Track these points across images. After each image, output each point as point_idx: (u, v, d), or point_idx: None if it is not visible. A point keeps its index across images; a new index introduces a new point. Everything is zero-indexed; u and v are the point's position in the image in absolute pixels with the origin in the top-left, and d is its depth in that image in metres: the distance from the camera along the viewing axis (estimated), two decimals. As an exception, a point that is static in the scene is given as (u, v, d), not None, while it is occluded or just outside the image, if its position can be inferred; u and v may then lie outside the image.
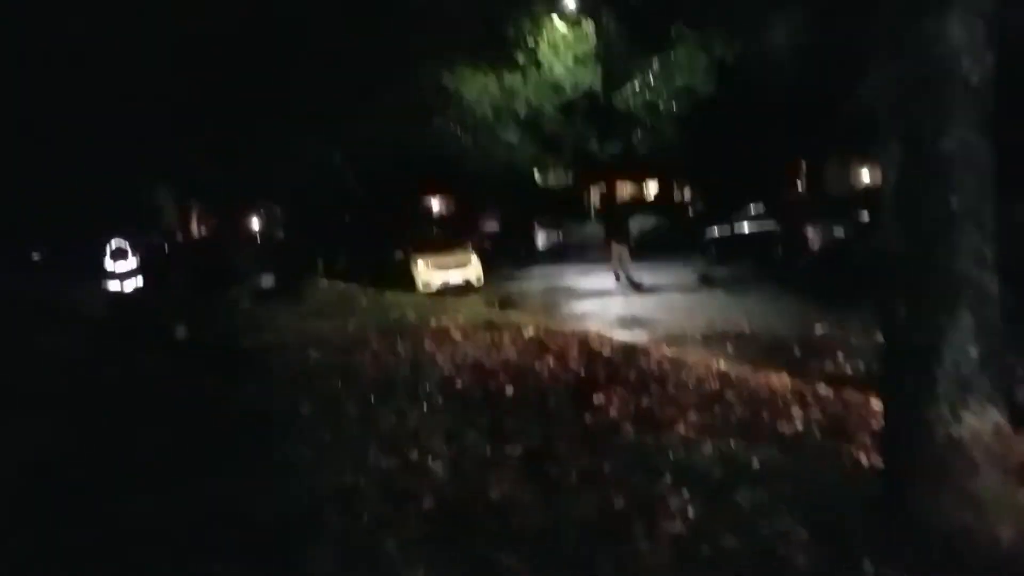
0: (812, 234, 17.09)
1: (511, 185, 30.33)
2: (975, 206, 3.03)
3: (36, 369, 8.27)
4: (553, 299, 14.58)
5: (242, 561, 3.29)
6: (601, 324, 10.71)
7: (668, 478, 3.79)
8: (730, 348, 8.14)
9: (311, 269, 21.02)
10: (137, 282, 18.05)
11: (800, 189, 21.36)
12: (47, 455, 5.20)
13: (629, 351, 7.57)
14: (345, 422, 5.36)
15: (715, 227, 20.28)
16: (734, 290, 13.89)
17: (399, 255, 18.33)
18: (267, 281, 18.67)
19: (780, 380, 5.98)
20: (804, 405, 5.13)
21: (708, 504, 3.51)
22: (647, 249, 24.05)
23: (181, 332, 11.07)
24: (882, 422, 3.39)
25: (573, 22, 22.99)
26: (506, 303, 14.03)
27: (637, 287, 15.28)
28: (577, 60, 23.51)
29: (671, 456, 4.09)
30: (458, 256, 17.65)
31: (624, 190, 33.88)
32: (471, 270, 17.24)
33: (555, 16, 23.12)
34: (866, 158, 22.38)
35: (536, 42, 23.18)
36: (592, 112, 26.52)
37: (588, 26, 22.87)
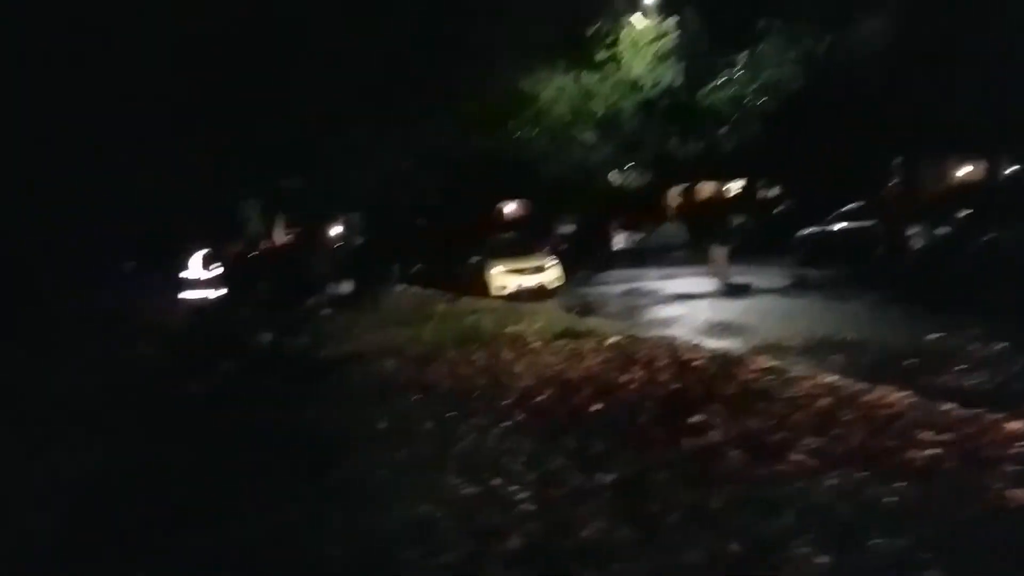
0: (914, 234, 15.90)
1: (588, 187, 29.79)
2: None
3: (117, 384, 8.35)
4: (634, 304, 14.01)
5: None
6: (688, 331, 10.10)
7: (787, 518, 3.27)
8: (835, 359, 7.44)
9: (388, 276, 21.10)
10: (222, 291, 18.53)
11: (898, 187, 19.96)
12: (114, 474, 5.11)
13: (724, 362, 6.98)
14: (421, 442, 5.04)
15: (807, 227, 19.21)
16: (831, 293, 12.99)
17: (475, 260, 18.13)
18: (346, 288, 18.83)
19: (899, 397, 5.30)
20: (931, 427, 4.47)
21: (839, 552, 2.98)
22: (732, 251, 23.12)
23: (262, 343, 11.13)
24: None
25: (653, 18, 22.33)
26: (585, 309, 13.55)
27: (737, 290, 14.44)
28: (657, 57, 22.84)
29: (788, 491, 3.55)
30: (534, 260, 17.30)
31: (706, 190, 32.78)
32: (548, 274, 16.86)
33: (635, 13, 22.53)
34: (966, 155, 20.83)
35: (615, 40, 22.67)
36: (672, 110, 25.74)
37: (669, 22, 22.17)
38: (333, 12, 15.92)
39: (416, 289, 19.01)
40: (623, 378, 6.58)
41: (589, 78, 23.29)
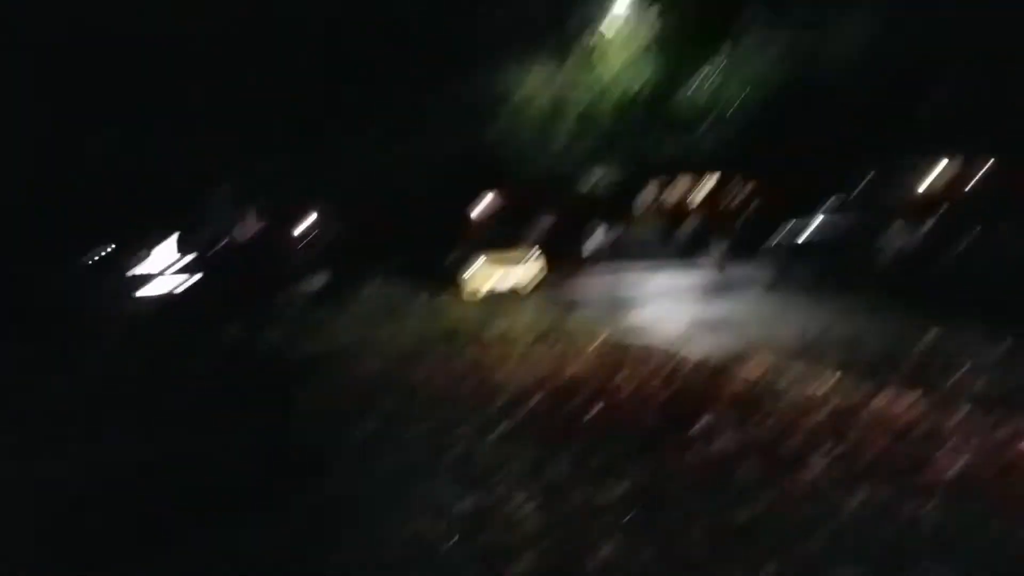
0: (894, 233, 15.88)
1: (566, 185, 29.55)
2: None
3: (76, 386, 7.84)
4: (619, 302, 13.74)
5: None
6: (678, 330, 9.85)
7: (821, 540, 2.99)
8: (835, 360, 7.23)
9: (365, 270, 20.61)
10: (190, 282, 17.87)
11: (879, 185, 20.00)
12: (70, 484, 4.69)
13: (723, 363, 6.74)
14: (409, 451, 4.68)
15: (787, 224, 19.12)
16: (815, 292, 12.86)
17: (455, 256, 17.74)
18: (321, 282, 18.34)
19: (912, 401, 5.10)
20: (953, 435, 4.26)
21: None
22: (708, 248, 23.02)
23: (232, 338, 10.66)
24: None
25: (632, 15, 22.14)
26: (570, 306, 13.27)
27: (722, 287, 14.22)
28: (634, 56, 22.67)
29: (816, 508, 3.28)
30: (516, 257, 16.97)
31: (685, 188, 32.73)
32: (529, 271, 16.54)
33: (614, 10, 22.30)
34: (946, 154, 20.93)
35: (594, 37, 22.44)
36: (651, 108, 25.59)
37: (647, 19, 22.01)
38: (316, 5, 15.49)
39: (393, 285, 18.56)
40: (619, 379, 6.30)
41: (568, 75, 23.06)
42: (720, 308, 11.52)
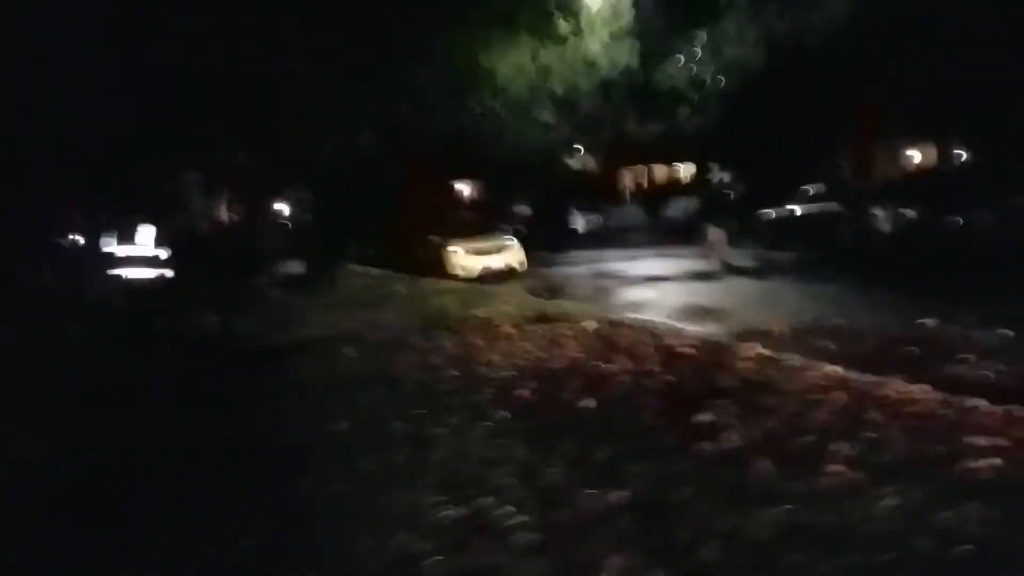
0: (881, 216, 15.76)
1: (546, 167, 29.16)
2: None
3: (33, 373, 7.36)
4: (603, 287, 13.45)
5: None
6: (666, 316, 9.59)
7: (859, 556, 2.69)
8: (832, 347, 6.98)
9: (341, 255, 20.12)
10: (159, 269, 17.30)
11: (864, 169, 19.89)
12: (32, 478, 4.28)
13: (717, 351, 6.44)
14: (392, 449, 4.33)
15: (770, 210, 18.96)
16: (804, 276, 12.66)
17: (434, 240, 17.32)
18: (295, 268, 17.84)
19: (919, 391, 4.83)
20: (975, 429, 3.98)
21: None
22: (691, 233, 22.81)
23: (202, 326, 10.21)
24: None
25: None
26: (553, 292, 12.95)
27: (707, 273, 13.92)
28: (613, 35, 22.24)
29: (845, 515, 2.98)
30: (496, 241, 16.60)
31: (666, 171, 32.49)
32: (511, 256, 16.19)
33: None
34: (928, 138, 20.86)
35: (574, 17, 21.98)
36: (631, 90, 25.22)
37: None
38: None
39: (370, 270, 18.12)
40: (611, 368, 5.98)
41: (547, 56, 22.60)
42: (709, 294, 11.27)
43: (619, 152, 29.17)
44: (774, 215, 18.63)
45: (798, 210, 17.92)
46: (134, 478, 4.19)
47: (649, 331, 7.74)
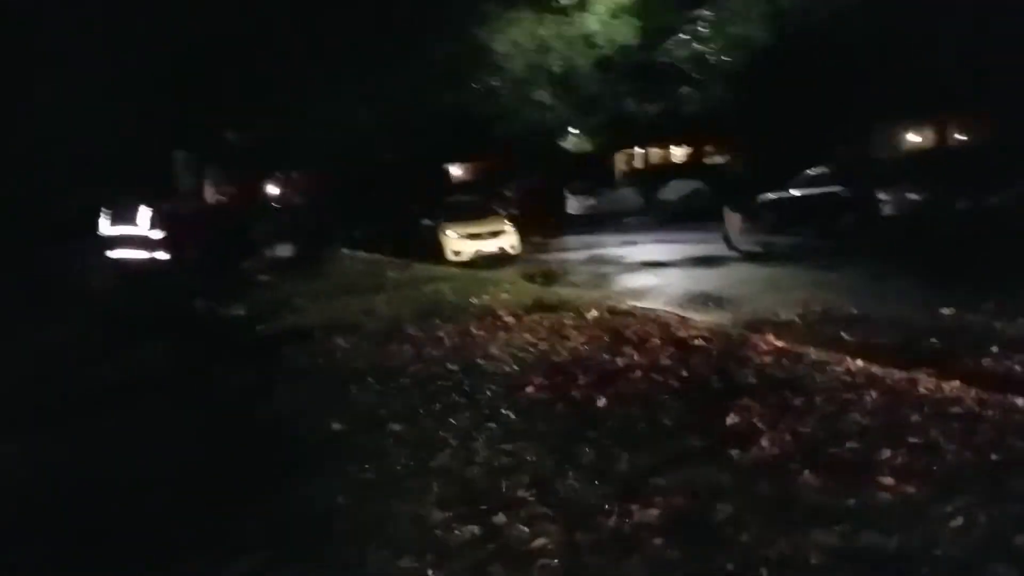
0: (885, 199, 15.39)
1: (542, 149, 28.66)
2: None
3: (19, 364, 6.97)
4: (601, 272, 13.09)
5: None
6: (669, 303, 9.25)
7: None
8: (848, 338, 6.67)
9: (333, 238, 19.67)
10: (147, 252, 16.76)
11: (866, 150, 19.52)
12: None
13: (731, 343, 6.11)
14: (390, 456, 3.97)
15: (769, 192, 18.55)
16: (808, 262, 12.33)
17: (427, 223, 16.90)
18: (286, 251, 17.36)
19: (957, 389, 4.51)
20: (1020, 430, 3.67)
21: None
22: (691, 216, 22.42)
23: (191, 312, 9.82)
24: None
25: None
26: (549, 277, 12.59)
27: (710, 258, 13.52)
28: (613, 13, 21.72)
29: (907, 538, 2.64)
30: (491, 224, 16.18)
31: (663, 153, 32.01)
32: (505, 239, 15.77)
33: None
34: (935, 119, 20.47)
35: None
36: (630, 69, 24.71)
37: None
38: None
39: (363, 254, 17.69)
40: (620, 363, 5.63)
41: (545, 32, 22.08)
42: (712, 281, 10.92)
43: (617, 132, 28.68)
44: (774, 198, 18.23)
45: (799, 193, 17.51)
46: (113, 479, 3.83)
47: (655, 321, 7.39)
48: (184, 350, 7.37)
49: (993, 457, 3.33)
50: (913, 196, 15.09)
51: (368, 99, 18.37)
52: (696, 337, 6.41)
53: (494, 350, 6.27)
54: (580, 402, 4.62)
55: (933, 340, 6.32)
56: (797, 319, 7.64)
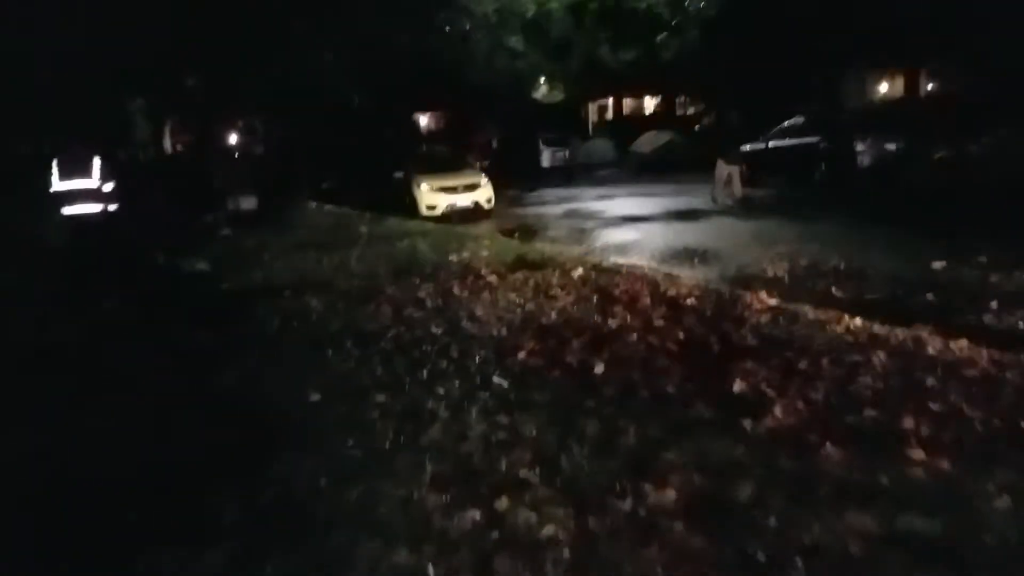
0: (862, 149, 15.23)
1: (513, 98, 27.96)
2: None
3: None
4: (580, 226, 12.78)
5: None
6: (653, 259, 9.00)
7: (973, 566, 2.15)
8: (840, 293, 6.49)
9: (298, 190, 19.01)
10: (100, 205, 15.99)
11: (844, 100, 19.30)
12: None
13: (723, 301, 5.89)
14: (374, 424, 3.68)
15: (746, 144, 18.29)
16: (787, 214, 12.17)
17: (398, 175, 16.34)
18: (249, 203, 16.68)
19: (967, 348, 4.34)
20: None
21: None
22: (665, 168, 22.12)
23: (150, 270, 9.31)
24: None
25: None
26: (527, 232, 12.25)
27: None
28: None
29: (952, 520, 2.43)
30: (465, 177, 15.68)
31: (636, 104, 31.50)
32: (480, 192, 15.31)
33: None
34: (910, 67, 20.27)
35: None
36: (605, 14, 24.01)
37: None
38: None
39: (331, 207, 17.13)
40: (612, 324, 5.37)
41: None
42: (694, 235, 10.68)
43: (589, 82, 28.06)
44: (749, 149, 17.99)
45: (775, 144, 17.28)
46: (61, 458, 3.48)
47: (641, 278, 7.15)
48: (142, 310, 6.91)
49: (1005, 419, 3.14)
50: (890, 146, 14.97)
51: (332, 41, 17.54)
52: (687, 295, 6.19)
53: (479, 311, 5.97)
54: (576, 368, 4.35)
55: (929, 295, 6.18)
56: (785, 274, 7.45)
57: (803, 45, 19.36)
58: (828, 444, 3.01)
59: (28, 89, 19.79)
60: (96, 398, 4.41)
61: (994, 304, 5.70)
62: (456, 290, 6.83)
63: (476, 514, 2.71)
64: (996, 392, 3.55)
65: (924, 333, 4.74)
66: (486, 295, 6.58)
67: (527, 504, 2.74)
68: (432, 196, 14.92)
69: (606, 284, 6.83)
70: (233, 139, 27.69)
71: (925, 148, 13.99)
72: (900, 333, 4.75)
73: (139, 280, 8.77)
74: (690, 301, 5.97)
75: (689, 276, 7.52)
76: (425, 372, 4.49)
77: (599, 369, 4.28)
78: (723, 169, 14.21)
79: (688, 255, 9.09)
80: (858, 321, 5.09)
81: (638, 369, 4.27)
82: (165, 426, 3.89)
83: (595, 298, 6.25)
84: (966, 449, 2.91)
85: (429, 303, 6.43)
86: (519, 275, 7.42)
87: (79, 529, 2.85)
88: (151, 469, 3.33)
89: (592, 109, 32.40)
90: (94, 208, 15.26)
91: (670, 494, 2.73)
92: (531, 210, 15.95)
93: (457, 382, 4.25)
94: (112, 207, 16.19)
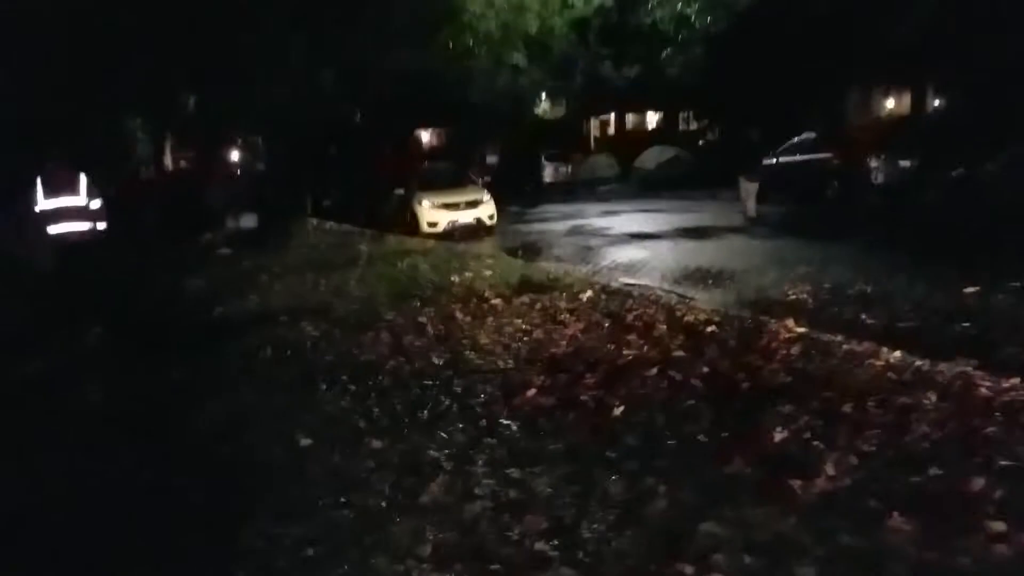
0: (875, 166, 14.86)
1: (516, 114, 27.70)
2: None
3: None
4: (585, 245, 12.42)
5: None
6: (665, 280, 8.61)
7: None
8: (870, 321, 6.08)
9: (299, 208, 18.67)
10: (88, 223, 15.59)
11: (856, 116, 18.97)
12: None
13: (747, 329, 5.48)
14: (369, 477, 3.27)
15: (757, 160, 17.94)
16: (801, 232, 11.80)
17: (400, 192, 16.00)
18: (248, 222, 16.34)
19: (1020, 388, 3.92)
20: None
21: None
22: (669, 184, 21.78)
23: (137, 293, 8.93)
24: None
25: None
26: (532, 252, 11.87)
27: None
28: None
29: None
30: (467, 194, 15.34)
31: (639, 119, 31.22)
32: (482, 209, 14.96)
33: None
34: (924, 84, 19.94)
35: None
36: (609, 31, 23.80)
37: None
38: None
39: (331, 224, 16.77)
40: (628, 355, 4.96)
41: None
42: (707, 253, 10.31)
43: (592, 98, 27.80)
44: (763, 164, 17.63)
45: (786, 160, 16.93)
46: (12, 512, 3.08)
47: (655, 302, 6.76)
48: (127, 339, 6.52)
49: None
50: (904, 163, 14.59)
51: (332, 57, 17.25)
52: (706, 322, 5.78)
53: (484, 340, 5.57)
54: (592, 409, 3.95)
55: (965, 324, 5.77)
56: (808, 299, 7.05)
57: (811, 60, 19.06)
58: (895, 514, 2.59)
59: (24, 104, 19.50)
60: (60, 439, 4.02)
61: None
62: (458, 315, 6.44)
63: (480, 561, 2.30)
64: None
65: (970, 368, 4.34)
66: (490, 321, 6.18)
67: (527, 549, 2.33)
68: (434, 213, 14.57)
69: (617, 309, 6.43)
70: (234, 156, 27.41)
71: (941, 166, 13.61)
72: (946, 370, 4.34)
73: (127, 306, 8.38)
74: (710, 329, 5.57)
75: (705, 300, 7.13)
76: (426, 412, 4.08)
77: (618, 411, 3.87)
78: (747, 186, 13.89)
79: (701, 276, 8.70)
80: (897, 354, 4.68)
81: (661, 411, 3.86)
82: (132, 475, 3.48)
83: (607, 324, 5.86)
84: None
85: (430, 330, 6.03)
86: (524, 298, 7.02)
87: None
88: (103, 530, 2.92)
89: (594, 125, 32.13)
90: (85, 227, 14.88)
91: (693, 544, 2.32)
92: (534, 227, 15.60)
93: (461, 425, 3.84)
94: (101, 225, 15.82)
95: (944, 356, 4.63)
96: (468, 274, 8.64)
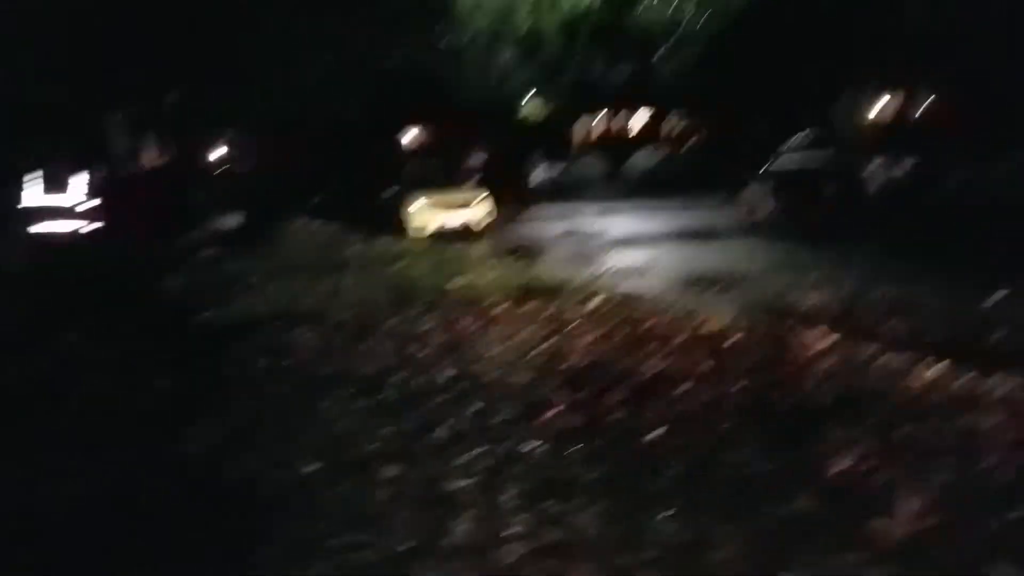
0: (875, 168, 14.65)
1: (505, 115, 27.35)
2: None
3: None
4: (583, 247, 12.08)
5: None
6: (672, 285, 8.29)
7: None
8: (899, 328, 5.78)
9: (287, 208, 18.17)
10: (72, 224, 15.07)
11: (856, 117, 18.78)
12: None
13: (778, 337, 5.16)
14: (384, 512, 2.89)
15: (754, 162, 17.68)
16: (804, 236, 11.52)
17: (391, 192, 15.59)
18: (234, 221, 15.90)
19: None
20: None
21: None
22: (661, 186, 21.48)
23: (121, 296, 8.47)
24: None
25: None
26: (532, 254, 11.51)
27: (695, 232, 12.57)
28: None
29: None
30: (460, 194, 14.98)
31: (631, 121, 30.94)
32: (476, 211, 14.60)
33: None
34: (922, 83, 19.79)
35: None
36: (599, 31, 23.50)
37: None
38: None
39: (321, 223, 16.30)
40: (654, 368, 4.61)
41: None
42: (712, 256, 10.01)
43: (583, 99, 27.47)
44: (762, 166, 17.38)
45: (783, 160, 16.68)
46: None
47: (667, 309, 6.43)
48: (107, 345, 6.08)
49: None
50: (904, 165, 14.40)
51: (322, 55, 16.83)
52: (728, 331, 5.45)
53: (492, 351, 5.19)
54: (624, 432, 3.59)
55: (1000, 333, 5.48)
56: (827, 305, 6.75)
57: (810, 60, 18.87)
58: (1000, 562, 2.26)
59: (12, 100, 18.91)
60: (26, 459, 3.60)
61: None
62: (462, 324, 6.06)
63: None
64: None
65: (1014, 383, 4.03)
66: (497, 330, 5.81)
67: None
68: (426, 214, 14.19)
69: (630, 316, 6.08)
70: (219, 154, 26.83)
71: (942, 168, 13.42)
72: (998, 385, 4.03)
73: (107, 309, 7.93)
74: (734, 339, 5.24)
75: (720, 306, 6.79)
76: (439, 434, 3.71)
77: (653, 435, 3.51)
78: (748, 187, 13.65)
79: (709, 281, 8.38)
80: (940, 367, 4.37)
81: (700, 434, 3.51)
82: (100, 512, 3.07)
83: (622, 334, 5.51)
84: None
85: (434, 339, 5.65)
86: (529, 305, 6.65)
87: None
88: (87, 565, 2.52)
89: (586, 126, 31.83)
90: (65, 227, 14.37)
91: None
92: (528, 229, 15.24)
93: (480, 450, 3.46)
94: (85, 226, 15.31)
95: (989, 369, 4.33)
96: (465, 279, 8.24)
